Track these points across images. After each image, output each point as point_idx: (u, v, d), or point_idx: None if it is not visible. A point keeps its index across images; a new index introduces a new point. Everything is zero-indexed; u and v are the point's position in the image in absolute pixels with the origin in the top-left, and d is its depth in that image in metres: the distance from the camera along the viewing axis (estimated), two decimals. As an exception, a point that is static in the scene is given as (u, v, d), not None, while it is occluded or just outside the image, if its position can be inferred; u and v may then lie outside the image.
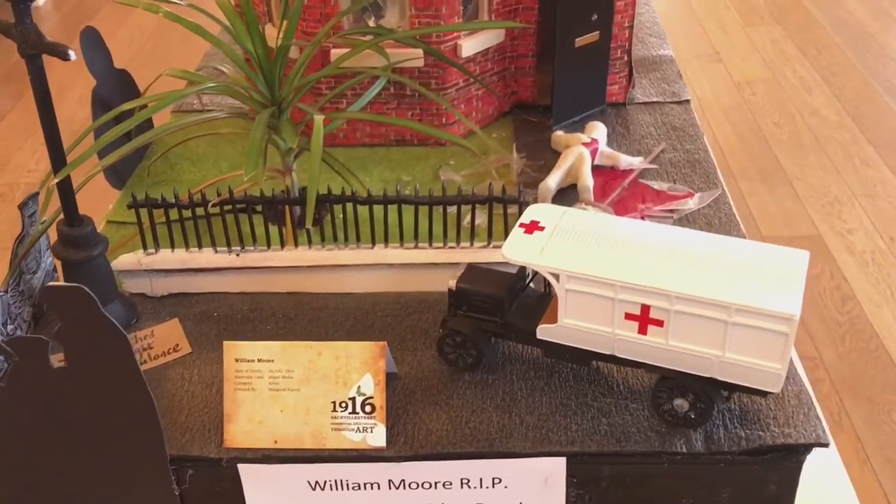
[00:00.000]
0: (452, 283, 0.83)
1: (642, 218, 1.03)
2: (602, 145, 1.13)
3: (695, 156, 1.14)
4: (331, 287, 0.94)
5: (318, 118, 0.89)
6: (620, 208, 1.05)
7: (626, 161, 1.12)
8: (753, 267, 0.72)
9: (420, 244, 0.93)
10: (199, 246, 0.94)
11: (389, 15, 1.13)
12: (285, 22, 0.94)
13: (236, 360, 0.77)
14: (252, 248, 0.94)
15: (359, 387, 0.76)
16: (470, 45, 1.14)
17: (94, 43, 1.08)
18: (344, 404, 0.76)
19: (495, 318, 0.81)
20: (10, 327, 0.87)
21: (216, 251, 0.93)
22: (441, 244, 0.93)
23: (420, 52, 1.12)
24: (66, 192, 0.83)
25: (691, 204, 1.05)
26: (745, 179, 2.64)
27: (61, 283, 0.65)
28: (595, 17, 1.16)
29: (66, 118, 1.11)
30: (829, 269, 1.98)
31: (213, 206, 0.90)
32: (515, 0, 1.17)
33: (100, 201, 1.15)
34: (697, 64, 3.31)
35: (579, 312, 0.75)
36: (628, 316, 0.74)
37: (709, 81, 3.06)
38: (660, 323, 0.73)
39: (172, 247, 0.94)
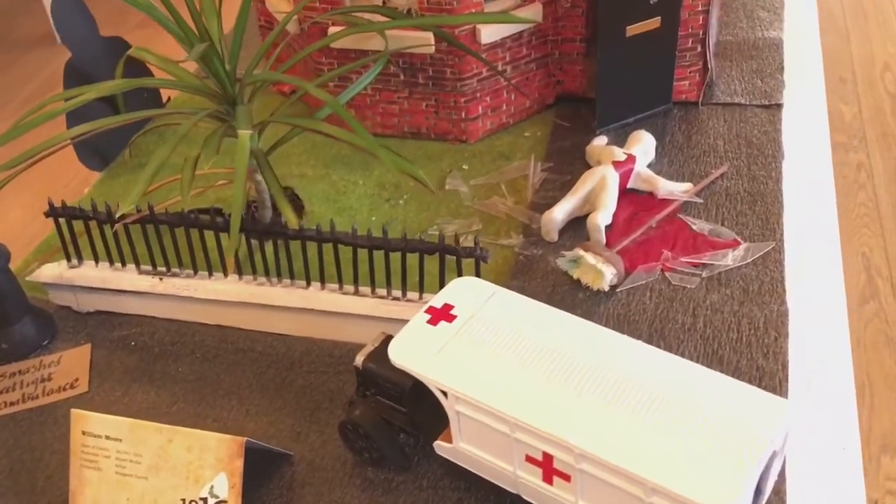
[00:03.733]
0: (360, 359, 0.67)
1: (662, 271, 0.82)
2: (640, 165, 0.91)
3: (762, 186, 0.90)
4: (261, 325, 0.81)
5: (245, 134, 0.74)
6: (639, 254, 0.84)
7: (666, 188, 0.90)
8: (706, 421, 0.52)
9: (361, 289, 0.77)
10: (123, 263, 0.82)
11: (398, -11, 0.95)
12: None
13: (83, 433, 0.66)
14: (179, 271, 0.82)
15: (212, 487, 0.63)
16: (493, 30, 0.94)
17: (71, 9, 0.97)
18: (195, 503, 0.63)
19: (402, 410, 0.65)
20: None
21: (140, 272, 0.82)
22: (385, 293, 0.77)
23: (431, 35, 0.94)
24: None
25: (730, 259, 0.82)
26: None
27: None
28: (654, 0, 0.92)
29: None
30: None
31: (124, 223, 0.78)
32: (558, -26, 0.96)
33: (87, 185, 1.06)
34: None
35: (475, 440, 0.58)
36: (530, 459, 0.56)
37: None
38: (566, 477, 0.54)
39: (96, 261, 0.83)
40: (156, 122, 1.01)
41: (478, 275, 0.73)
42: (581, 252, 0.80)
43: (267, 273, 0.79)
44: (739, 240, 0.84)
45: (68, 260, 0.83)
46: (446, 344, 0.59)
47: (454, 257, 0.73)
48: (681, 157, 0.96)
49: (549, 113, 1.05)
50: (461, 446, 0.59)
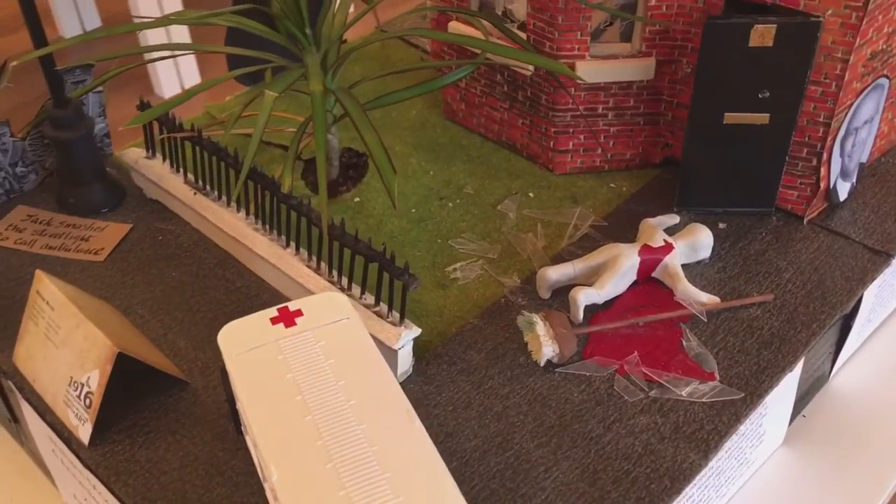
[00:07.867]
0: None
1: (617, 372, 0.77)
2: (675, 258, 0.84)
3: (791, 333, 0.80)
4: (252, 266, 0.89)
5: (270, 96, 0.80)
6: (613, 345, 0.79)
7: (685, 292, 0.83)
8: None
9: (321, 269, 0.82)
10: (178, 169, 0.94)
11: (518, 3, 0.94)
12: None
13: (37, 292, 0.78)
14: (211, 192, 0.91)
15: (89, 377, 0.73)
16: (593, 71, 0.91)
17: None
18: (76, 385, 0.74)
19: None
20: (19, 169, 0.98)
21: (185, 181, 0.93)
22: (335, 279, 0.81)
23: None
24: (51, 73, 0.88)
25: (687, 391, 0.75)
26: None
27: None
28: (766, 94, 0.83)
29: None
30: None
31: (176, 137, 0.89)
32: (682, 35, 0.89)
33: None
34: None
35: (251, 441, 0.62)
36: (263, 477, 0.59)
37: None
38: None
39: (163, 159, 0.95)
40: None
41: (404, 298, 0.75)
42: (537, 319, 0.78)
43: (264, 222, 0.86)
44: (717, 375, 0.76)
45: (146, 150, 0.96)
46: (264, 345, 0.62)
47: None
48: (738, 266, 0.87)
49: (650, 173, 0.99)
50: (246, 439, 0.63)
